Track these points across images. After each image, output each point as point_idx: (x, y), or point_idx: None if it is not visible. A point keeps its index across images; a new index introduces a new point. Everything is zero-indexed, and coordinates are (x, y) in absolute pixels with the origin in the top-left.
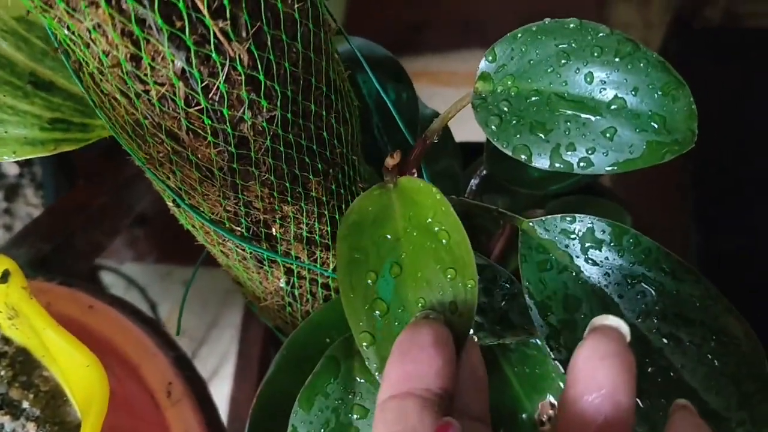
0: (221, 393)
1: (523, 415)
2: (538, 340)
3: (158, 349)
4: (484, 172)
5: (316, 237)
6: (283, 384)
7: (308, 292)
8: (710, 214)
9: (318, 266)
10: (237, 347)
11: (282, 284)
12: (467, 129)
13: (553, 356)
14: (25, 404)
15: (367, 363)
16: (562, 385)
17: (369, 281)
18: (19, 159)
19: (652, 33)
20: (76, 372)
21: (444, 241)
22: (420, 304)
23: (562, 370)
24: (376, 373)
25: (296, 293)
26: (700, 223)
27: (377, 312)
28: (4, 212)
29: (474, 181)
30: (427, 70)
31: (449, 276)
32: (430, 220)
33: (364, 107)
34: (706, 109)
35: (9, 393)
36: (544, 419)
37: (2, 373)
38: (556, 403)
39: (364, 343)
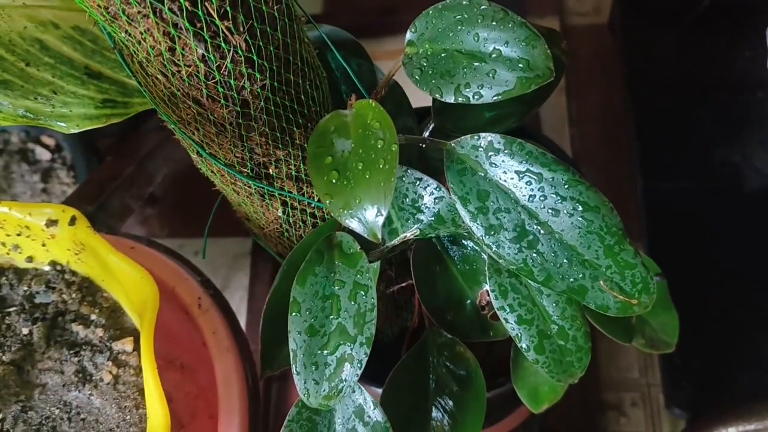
0: None
1: (468, 302)
2: (472, 243)
3: (188, 275)
4: (432, 125)
5: (303, 176)
6: (285, 290)
7: (300, 220)
8: (653, 162)
9: (306, 198)
10: (247, 305)
11: (279, 213)
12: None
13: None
14: (93, 316)
15: (331, 212)
16: None
17: (326, 162)
18: (80, 130)
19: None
20: (133, 284)
21: (379, 131)
22: (360, 167)
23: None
24: (338, 216)
25: (291, 221)
26: (644, 169)
27: (333, 180)
28: (42, 191)
29: (425, 134)
30: (399, 47)
31: (380, 145)
32: (370, 120)
33: (334, 78)
34: (649, 66)
35: (80, 309)
36: (483, 304)
37: (74, 295)
38: (490, 290)
39: (327, 201)
